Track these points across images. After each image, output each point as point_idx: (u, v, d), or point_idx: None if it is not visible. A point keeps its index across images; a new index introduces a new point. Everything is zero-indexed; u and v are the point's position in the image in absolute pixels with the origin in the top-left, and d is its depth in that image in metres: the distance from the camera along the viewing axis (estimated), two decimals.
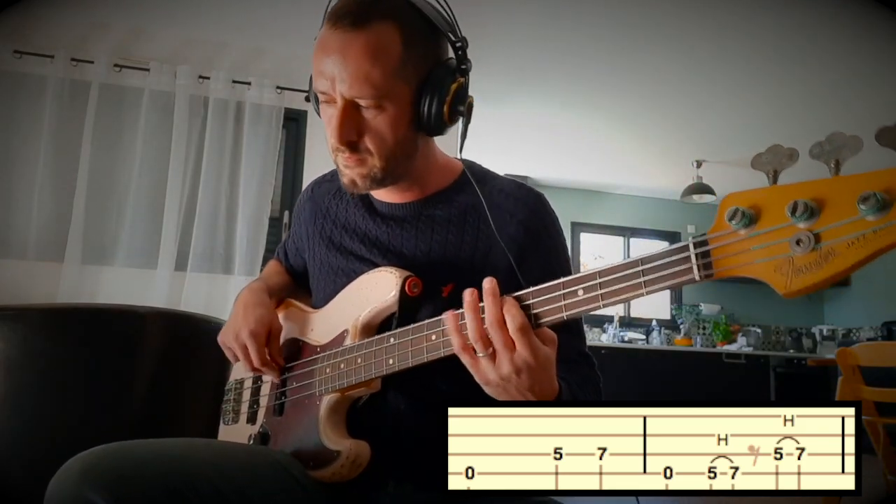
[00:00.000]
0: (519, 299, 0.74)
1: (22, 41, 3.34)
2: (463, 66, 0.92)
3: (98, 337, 1.71)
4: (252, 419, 1.11)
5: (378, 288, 0.94)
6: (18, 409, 1.63)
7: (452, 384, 0.92)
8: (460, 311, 0.77)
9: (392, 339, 0.87)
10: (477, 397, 0.89)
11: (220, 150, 3.57)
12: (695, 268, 0.63)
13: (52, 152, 3.31)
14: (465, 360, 0.76)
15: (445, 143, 0.99)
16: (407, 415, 0.95)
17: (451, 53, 0.94)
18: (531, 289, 0.75)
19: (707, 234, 0.63)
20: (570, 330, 0.93)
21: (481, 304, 0.75)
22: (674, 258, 0.65)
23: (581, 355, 0.96)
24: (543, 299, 0.74)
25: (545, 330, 0.76)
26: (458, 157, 0.98)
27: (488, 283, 0.74)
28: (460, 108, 0.90)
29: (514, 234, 0.95)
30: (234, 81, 3.61)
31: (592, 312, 0.72)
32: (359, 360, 0.91)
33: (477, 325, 0.74)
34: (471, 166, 1.03)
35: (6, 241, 3.25)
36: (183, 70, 3.52)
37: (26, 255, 3.24)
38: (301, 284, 1.18)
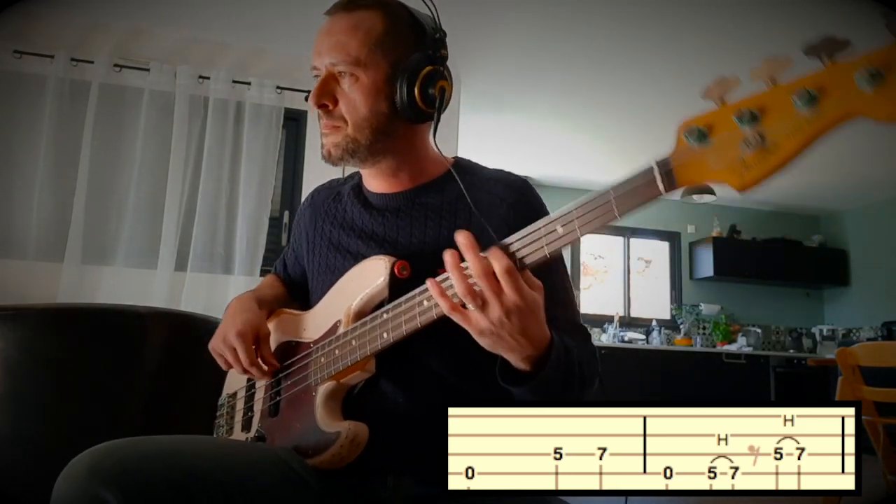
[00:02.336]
0: (501, 247, 0.78)
1: (22, 41, 3.35)
2: (438, 55, 0.98)
3: (98, 337, 1.71)
4: (247, 426, 1.11)
5: (367, 276, 0.96)
6: (19, 408, 1.62)
7: (446, 366, 0.95)
8: (438, 277, 0.80)
9: (385, 315, 0.89)
10: (468, 380, 0.93)
11: (220, 150, 3.57)
12: (659, 182, 0.68)
13: (52, 152, 3.31)
14: (457, 318, 0.78)
15: (447, 144, 1.00)
16: (402, 403, 0.96)
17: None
18: (512, 236, 0.78)
19: (668, 154, 0.70)
20: (562, 304, 0.96)
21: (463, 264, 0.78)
22: (639, 177, 0.70)
23: (575, 326, 0.98)
24: (525, 242, 0.77)
25: (530, 277, 0.78)
26: (433, 142, 1.03)
27: (463, 238, 0.77)
28: (430, 90, 0.96)
29: (504, 215, 0.98)
30: (234, 81, 3.61)
31: (569, 244, 0.75)
32: (353, 343, 0.92)
33: (463, 282, 0.76)
34: (460, 160, 1.09)
35: (6, 241, 3.25)
36: (183, 70, 3.53)
37: (26, 255, 3.24)
38: (297, 296, 1.19)
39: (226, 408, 1.19)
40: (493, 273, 0.75)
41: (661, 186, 0.68)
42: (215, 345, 1.06)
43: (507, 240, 0.78)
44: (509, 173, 1.06)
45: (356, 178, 1.14)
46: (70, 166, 3.32)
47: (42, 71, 3.34)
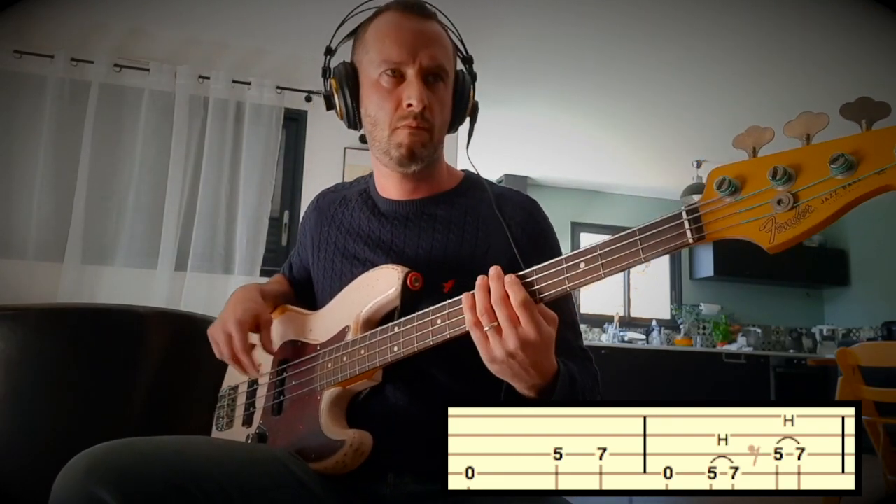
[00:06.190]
0: (522, 277, 0.78)
1: (22, 41, 3.34)
2: (473, 75, 1.07)
3: (98, 337, 1.71)
4: (248, 421, 1.10)
5: (379, 284, 0.95)
6: (18, 409, 1.62)
7: (451, 376, 0.96)
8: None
9: (397, 328, 0.89)
10: (471, 387, 0.92)
11: (220, 150, 3.57)
12: (688, 232, 0.68)
13: (52, 152, 3.31)
14: (476, 335, 0.78)
15: (448, 145, 1.04)
16: (406, 407, 0.96)
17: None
18: (535, 267, 0.78)
19: (699, 202, 0.69)
20: (568, 326, 0.97)
21: None
22: (668, 225, 0.70)
23: (581, 350, 0.99)
24: (546, 275, 0.77)
25: (545, 309, 0.79)
26: (466, 152, 1.09)
27: (493, 269, 0.79)
28: (476, 107, 1.06)
29: (513, 233, 0.99)
30: (234, 81, 3.61)
31: (591, 282, 0.75)
32: (362, 352, 0.92)
33: (485, 300, 0.77)
34: (469, 174, 1.10)
35: (6, 241, 3.25)
36: (183, 70, 3.52)
37: (26, 255, 3.24)
38: (302, 297, 1.19)
39: (227, 400, 1.18)
40: (510, 301, 0.76)
41: (689, 237, 0.68)
42: (213, 332, 1.05)
43: (528, 271, 0.78)
44: (518, 191, 1.08)
45: (363, 182, 1.14)
46: (70, 166, 3.31)
47: (42, 71, 3.34)
